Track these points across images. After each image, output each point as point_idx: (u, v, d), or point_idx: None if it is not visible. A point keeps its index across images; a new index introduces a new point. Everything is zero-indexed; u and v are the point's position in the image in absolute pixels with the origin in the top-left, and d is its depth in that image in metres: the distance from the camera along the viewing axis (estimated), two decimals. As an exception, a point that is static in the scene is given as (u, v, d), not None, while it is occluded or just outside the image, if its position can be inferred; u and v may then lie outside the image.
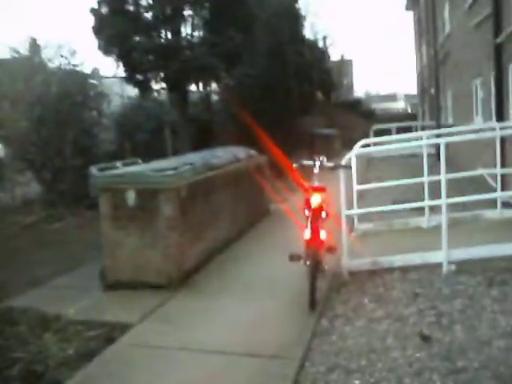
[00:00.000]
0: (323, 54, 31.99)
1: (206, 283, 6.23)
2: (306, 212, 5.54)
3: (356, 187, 8.22)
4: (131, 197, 5.99)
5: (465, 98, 15.76)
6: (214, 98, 22.54)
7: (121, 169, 6.85)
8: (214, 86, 22.62)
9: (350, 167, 7.03)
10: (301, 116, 23.66)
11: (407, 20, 59.35)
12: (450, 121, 18.61)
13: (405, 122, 26.75)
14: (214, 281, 6.30)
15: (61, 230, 10.30)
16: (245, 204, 8.66)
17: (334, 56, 38.85)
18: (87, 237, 8.94)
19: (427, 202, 7.28)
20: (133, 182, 6.06)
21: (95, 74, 17.76)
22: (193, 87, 20.23)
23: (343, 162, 6.38)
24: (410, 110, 50.81)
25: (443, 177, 5.99)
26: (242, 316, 5.23)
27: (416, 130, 25.85)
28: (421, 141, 7.52)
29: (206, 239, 6.87)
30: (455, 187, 9.97)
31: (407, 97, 68.28)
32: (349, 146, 25.41)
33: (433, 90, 23.74)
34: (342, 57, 44.63)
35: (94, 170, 6.44)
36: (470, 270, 6.06)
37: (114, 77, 16.18)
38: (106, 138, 14.75)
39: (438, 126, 20.55)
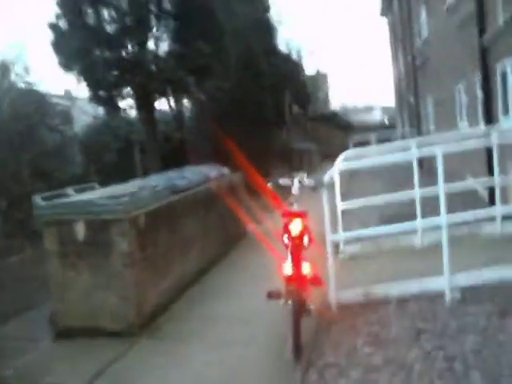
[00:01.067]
0: (297, 66, 31.36)
1: (172, 327, 5.32)
2: (285, 239, 4.70)
3: (340, 206, 7.44)
4: (80, 230, 5.09)
5: (447, 104, 15.13)
6: (187, 115, 21.73)
7: (73, 196, 5.94)
8: (186, 102, 21.82)
9: (326, 187, 6.20)
10: (277, 130, 22.94)
11: (382, 27, 59.23)
12: (432, 128, 17.97)
13: (383, 131, 26.15)
14: (182, 323, 5.40)
15: (16, 264, 9.32)
16: (217, 229, 7.79)
17: (309, 69, 38.32)
18: (44, 272, 7.99)
19: (423, 222, 6.43)
20: (82, 212, 5.16)
21: (67, 94, 16.78)
22: (164, 106, 19.41)
23: (325, 180, 5.54)
24: (387, 122, 50.54)
25: (442, 190, 5.19)
26: (212, 370, 4.34)
27: (395, 140, 25.32)
28: (410, 151, 6.75)
29: (171, 274, 5.98)
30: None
31: (384, 109, 68.23)
32: (328, 158, 24.79)
33: (412, 98, 23.20)
34: (317, 70, 44.20)
35: (37, 199, 5.52)
36: (477, 297, 5.26)
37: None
38: (70, 161, 13.81)
39: (419, 134, 19.97)
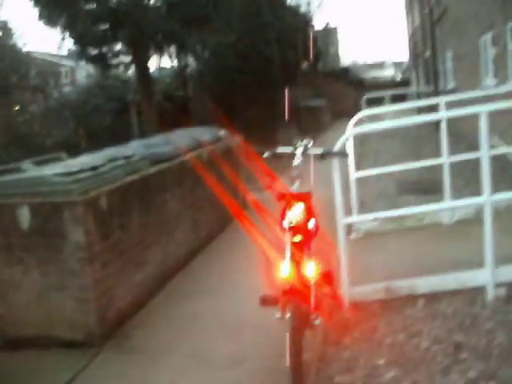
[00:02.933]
0: (306, 20, 29.69)
1: (144, 334, 4.28)
2: (285, 225, 3.61)
3: (354, 175, 6.31)
4: (24, 216, 4.01)
5: (469, 59, 13.76)
6: (190, 73, 20.47)
7: (26, 172, 4.84)
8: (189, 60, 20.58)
9: (347, 154, 5.08)
10: (285, 87, 21.62)
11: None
12: (452, 85, 16.59)
13: (397, 89, 24.69)
14: (157, 329, 4.35)
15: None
16: (209, 203, 6.69)
17: (319, 24, 36.58)
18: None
19: (458, 202, 5.21)
20: (27, 193, 4.07)
21: (71, 55, 15.46)
22: (167, 63, 18.21)
23: (337, 147, 4.39)
24: (399, 79, 48.82)
25: (487, 162, 4.03)
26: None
27: (412, 97, 23.92)
28: (440, 112, 5.59)
29: (149, 263, 4.93)
30: (466, 167, 8.07)
31: (396, 64, 66.18)
32: (339, 117, 23.53)
33: (428, 53, 21.71)
34: (327, 24, 42.32)
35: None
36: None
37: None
38: (57, 125, 12.68)
39: (437, 92, 18.59)
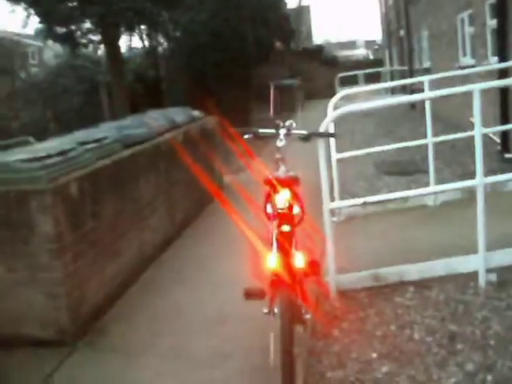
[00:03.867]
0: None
1: (119, 331, 4.01)
2: (269, 209, 3.38)
3: (335, 156, 6.10)
4: (-13, 206, 3.70)
5: (446, 38, 13.61)
6: (163, 52, 19.97)
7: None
8: (161, 38, 20.08)
9: (334, 134, 4.87)
10: (258, 66, 21.28)
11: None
12: (427, 64, 16.44)
13: (371, 68, 24.49)
14: (133, 324, 4.09)
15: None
16: (186, 186, 6.43)
17: (292, 2, 36.09)
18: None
19: (447, 186, 4.99)
20: (-11, 180, 3.75)
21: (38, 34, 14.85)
22: (138, 43, 17.72)
23: (322, 128, 4.16)
24: (371, 57, 48.76)
25: (479, 141, 3.84)
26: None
27: (385, 77, 23.79)
28: (425, 92, 5.37)
29: (124, 252, 4.65)
30: (445, 148, 7.91)
31: (368, 43, 66.01)
32: (313, 97, 23.29)
33: (402, 32, 21.54)
34: (300, 2, 41.89)
35: None
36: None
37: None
38: (24, 108, 12.19)
39: (411, 72, 18.48)
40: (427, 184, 7.60)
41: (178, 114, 6.99)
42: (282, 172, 3.32)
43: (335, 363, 3.29)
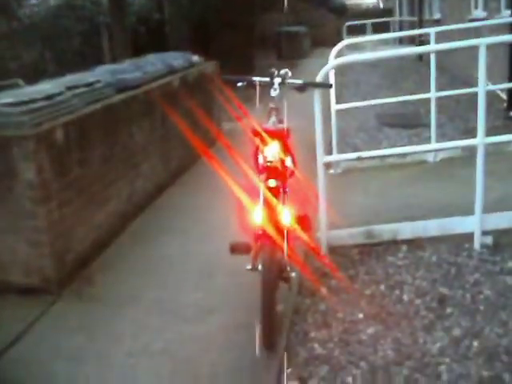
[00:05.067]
0: None
1: (105, 280, 3.94)
2: (260, 160, 3.26)
3: (335, 107, 5.92)
4: (-31, 150, 3.57)
5: (457, -14, 13.13)
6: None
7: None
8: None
9: (330, 84, 4.67)
10: (263, 13, 20.71)
11: None
12: (437, 16, 15.95)
13: (380, 17, 23.87)
14: (119, 274, 4.03)
15: None
16: (180, 134, 6.26)
17: None
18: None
19: (450, 144, 4.85)
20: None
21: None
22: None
23: (319, 77, 3.97)
24: (382, 5, 47.49)
25: (483, 99, 3.67)
26: (147, 365, 2.99)
27: (394, 27, 23.22)
28: (430, 44, 5.14)
29: (112, 200, 4.56)
30: (449, 101, 7.64)
31: (379, -10, 64.19)
32: (320, 45, 22.77)
33: (413, -21, 20.83)
34: None
35: None
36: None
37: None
38: (22, 47, 11.87)
39: (420, 23, 17.95)
40: (429, 138, 7.46)
41: (177, 59, 6.76)
42: (271, 123, 3.17)
43: (320, 322, 3.23)
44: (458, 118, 8.34)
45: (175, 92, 6.12)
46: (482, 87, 3.66)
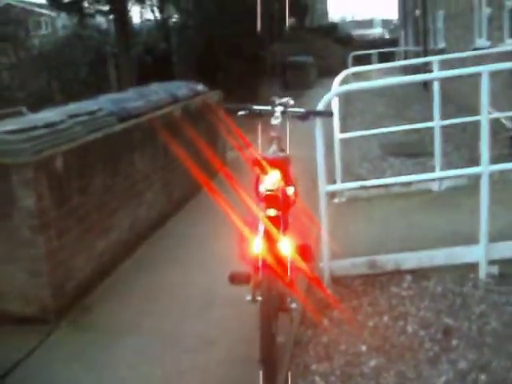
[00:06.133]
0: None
1: (104, 310, 3.89)
2: (261, 189, 3.20)
3: (338, 136, 5.89)
4: (-32, 178, 3.56)
5: (461, 18, 13.24)
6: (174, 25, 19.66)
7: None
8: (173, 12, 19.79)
9: (331, 113, 4.64)
10: (271, 42, 20.93)
11: None
12: (442, 45, 16.05)
13: (385, 48, 24.08)
14: (119, 303, 3.97)
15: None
16: (184, 162, 6.26)
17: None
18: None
19: (452, 172, 4.81)
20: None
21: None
22: (149, 15, 17.45)
23: (321, 105, 3.95)
24: (387, 36, 48.11)
25: (486, 128, 3.64)
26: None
27: (399, 57, 23.38)
28: (433, 72, 5.13)
29: (114, 229, 4.52)
30: (455, 130, 7.61)
31: (384, 22, 65.08)
32: (326, 75, 22.94)
33: (418, 12, 21.06)
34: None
35: None
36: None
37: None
38: (29, 78, 11.99)
39: (425, 52, 18.06)
40: (434, 167, 7.42)
41: (180, 88, 6.80)
42: (271, 152, 3.14)
43: (322, 355, 3.14)
44: (464, 146, 8.29)
45: (177, 121, 6.12)
46: (485, 115, 3.62)
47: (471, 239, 3.94)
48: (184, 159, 6.11)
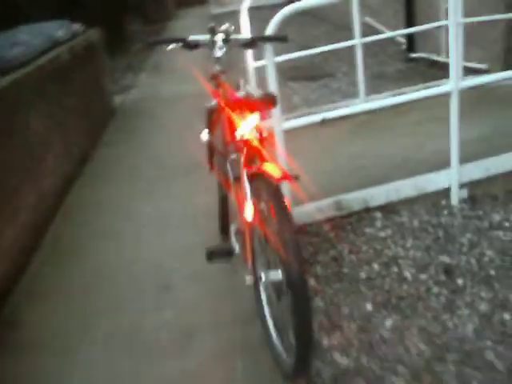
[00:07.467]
0: None
1: (30, 318, 3.12)
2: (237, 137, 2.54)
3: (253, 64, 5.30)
4: None
5: None
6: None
7: None
8: None
9: (286, 37, 3.95)
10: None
11: None
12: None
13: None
14: (46, 308, 3.23)
15: None
16: (79, 112, 5.39)
17: None
18: None
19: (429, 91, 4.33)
20: None
21: None
22: None
23: (270, 29, 3.23)
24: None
25: (453, 25, 3.23)
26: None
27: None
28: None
29: (19, 214, 3.67)
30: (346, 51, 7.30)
31: None
32: (184, 5, 21.75)
33: None
34: None
35: None
36: (489, 191, 3.66)
37: None
38: None
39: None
40: (339, 89, 7.15)
41: (57, 29, 5.76)
42: (251, 91, 2.48)
43: (327, 326, 2.68)
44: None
45: (65, 67, 5.18)
46: (453, 19, 3.20)
47: (428, 164, 3.65)
48: (77, 110, 5.27)
